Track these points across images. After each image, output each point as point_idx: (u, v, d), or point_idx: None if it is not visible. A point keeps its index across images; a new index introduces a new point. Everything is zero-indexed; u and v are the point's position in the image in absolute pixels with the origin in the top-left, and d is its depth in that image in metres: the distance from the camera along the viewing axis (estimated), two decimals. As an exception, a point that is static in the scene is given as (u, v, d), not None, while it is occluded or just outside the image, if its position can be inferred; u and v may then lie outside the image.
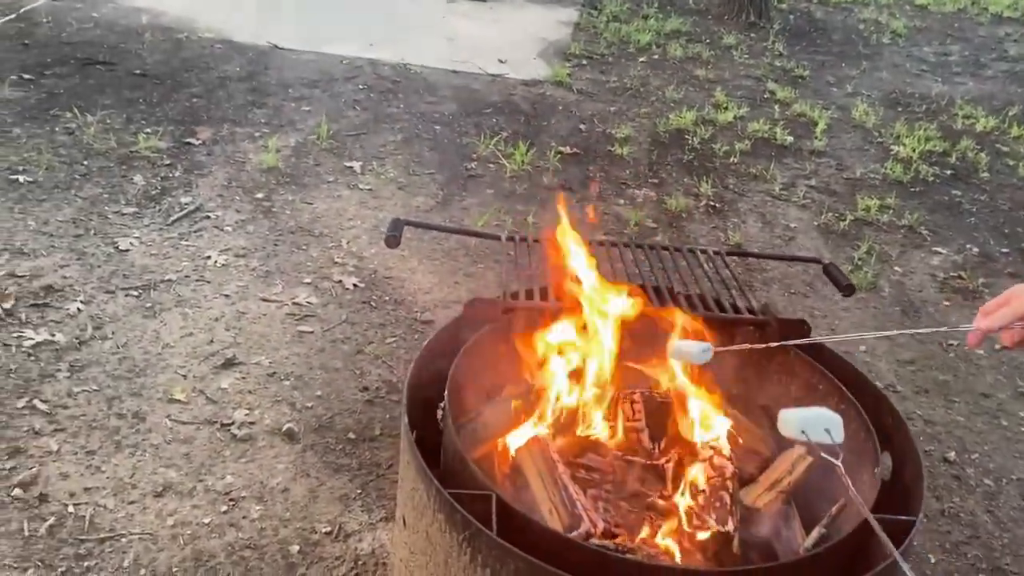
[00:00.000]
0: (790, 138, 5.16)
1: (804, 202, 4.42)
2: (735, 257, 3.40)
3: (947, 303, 3.72)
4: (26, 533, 2.07)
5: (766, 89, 6.05)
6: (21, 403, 2.45)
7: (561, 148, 4.61)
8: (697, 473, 1.91)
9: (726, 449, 2.01)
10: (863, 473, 1.94)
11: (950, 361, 3.32)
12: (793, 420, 1.66)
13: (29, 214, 3.34)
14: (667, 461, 1.95)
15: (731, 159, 4.79)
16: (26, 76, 4.51)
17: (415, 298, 3.22)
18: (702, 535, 1.83)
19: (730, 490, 1.91)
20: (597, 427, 2.03)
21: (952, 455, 2.82)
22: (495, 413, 2.03)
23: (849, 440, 2.02)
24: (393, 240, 2.30)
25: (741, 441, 2.07)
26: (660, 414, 2.02)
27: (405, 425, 1.85)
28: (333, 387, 2.71)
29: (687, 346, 1.94)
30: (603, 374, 2.05)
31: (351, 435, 2.54)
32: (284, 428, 2.51)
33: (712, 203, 4.26)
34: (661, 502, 1.92)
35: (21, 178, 3.55)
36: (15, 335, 2.69)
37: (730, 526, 1.82)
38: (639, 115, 5.29)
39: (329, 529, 2.21)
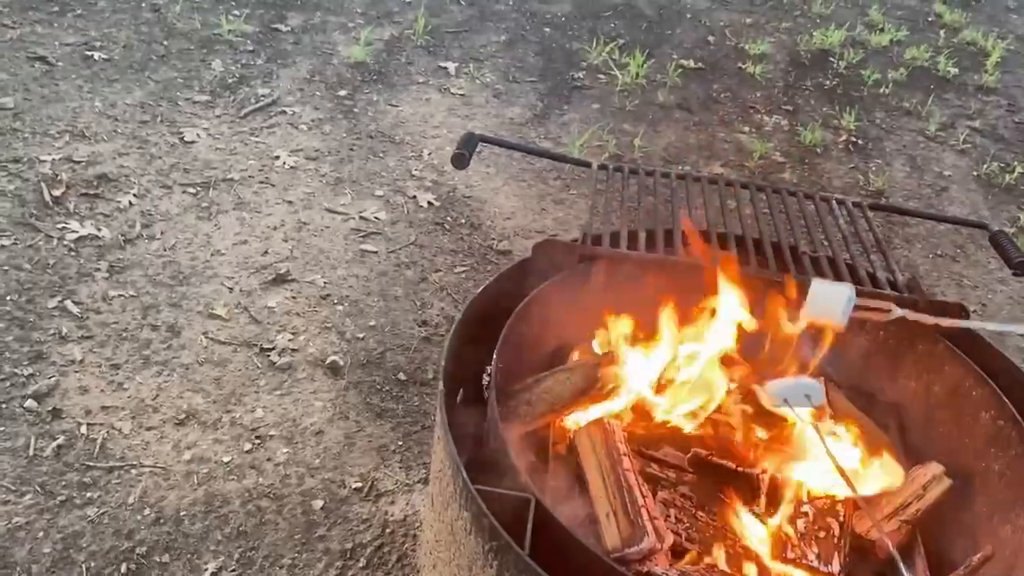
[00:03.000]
0: (954, 70, 4.44)
1: (964, 147, 3.78)
2: (882, 212, 2.89)
3: None
4: (31, 452, 1.88)
5: (931, 11, 5.25)
6: (52, 303, 2.25)
7: (683, 61, 4.08)
8: (800, 490, 1.52)
9: (842, 462, 1.60)
10: (1023, 516, 1.50)
11: None
12: (774, 391, 1.52)
13: (98, 94, 3.12)
14: (763, 471, 1.56)
15: (881, 89, 4.14)
16: (120, -54, 4.28)
17: (494, 223, 2.85)
18: (797, 572, 1.45)
19: (840, 517, 1.51)
20: (680, 414, 1.65)
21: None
22: (556, 383, 1.68)
23: (1008, 472, 1.58)
24: (461, 159, 1.93)
25: (862, 450, 1.66)
26: (762, 411, 1.62)
27: (441, 392, 1.52)
28: (389, 318, 2.41)
29: (828, 290, 1.54)
30: (699, 351, 1.66)
31: (401, 375, 2.24)
32: (328, 360, 2.23)
33: (854, 139, 3.68)
34: (748, 520, 1.54)
35: (96, 55, 3.33)
36: (59, 226, 2.49)
37: (834, 566, 1.43)
38: (778, 30, 4.65)
39: (360, 485, 1.94)
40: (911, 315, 1.59)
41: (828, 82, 4.16)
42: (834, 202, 2.12)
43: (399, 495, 1.92)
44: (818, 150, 3.57)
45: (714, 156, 3.45)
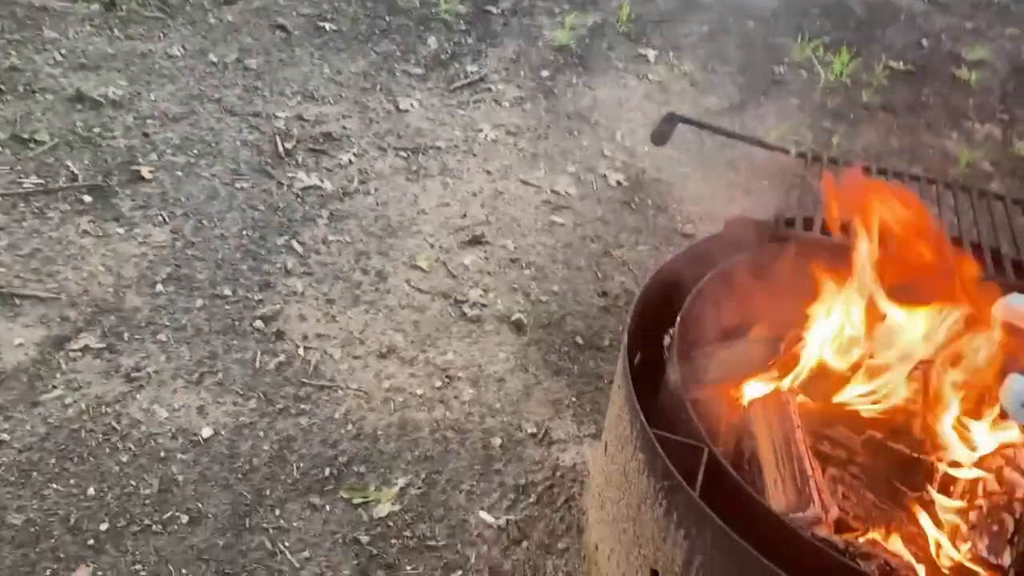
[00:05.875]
0: None
1: None
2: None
3: None
4: (257, 365, 2.16)
5: None
6: (281, 240, 2.54)
7: (892, 63, 3.94)
8: (977, 482, 1.51)
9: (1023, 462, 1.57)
10: None
11: None
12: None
13: (326, 62, 3.45)
14: (940, 458, 1.56)
15: (1115, 104, 3.84)
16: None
17: (680, 207, 2.92)
18: (964, 561, 1.45)
19: (1016, 514, 1.49)
20: (858, 396, 1.67)
21: None
22: (735, 354, 1.75)
23: None
24: (661, 136, 2.04)
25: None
26: (942, 399, 1.62)
27: (624, 343, 1.63)
28: (571, 285, 2.55)
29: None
30: (883, 337, 1.68)
31: (578, 339, 2.37)
32: (514, 317, 2.40)
33: (1074, 154, 3.45)
34: (919, 505, 1.55)
35: (327, 26, 3.67)
36: (289, 175, 2.80)
37: (1005, 559, 1.42)
38: (1001, 36, 4.39)
39: (535, 431, 2.08)
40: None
41: (1053, 93, 3.90)
42: (1044, 209, 2.05)
43: (570, 444, 2.05)
44: (1033, 163, 3.37)
45: (916, 160, 3.34)
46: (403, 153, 3.01)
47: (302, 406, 2.07)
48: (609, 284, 2.58)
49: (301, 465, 1.93)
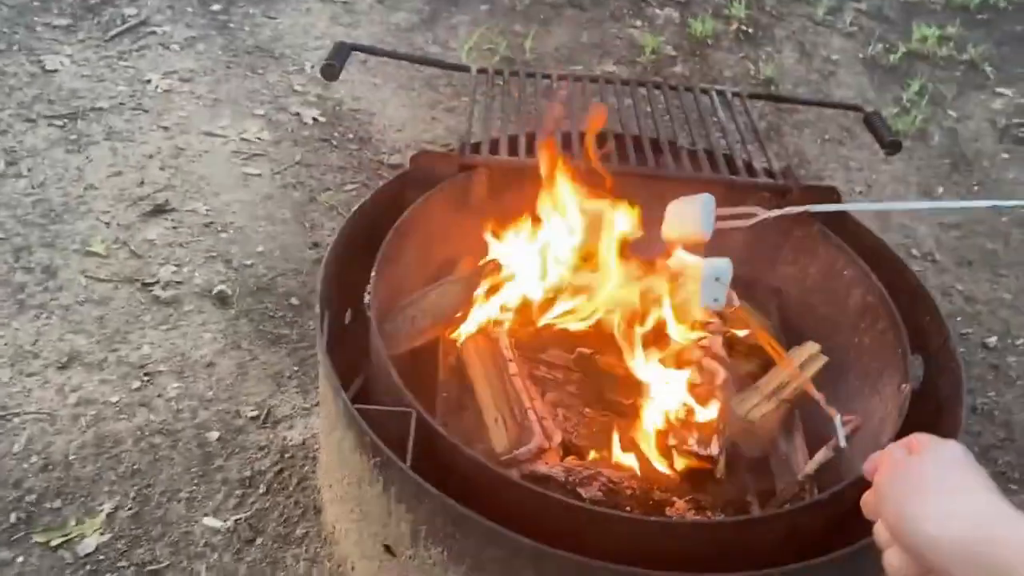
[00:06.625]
0: (843, -49, 4.44)
1: (850, 30, 3.81)
2: (761, 100, 2.92)
3: (1006, 155, 3.21)
4: (-99, 412, 1.80)
5: None
6: (-89, 253, 2.12)
7: (574, -44, 3.96)
8: (680, 379, 1.56)
9: (720, 349, 1.65)
10: (888, 385, 1.58)
11: (1002, 227, 2.87)
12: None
13: (-58, 24, 2.88)
14: (645, 362, 1.60)
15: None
16: None
17: (384, 136, 2.78)
18: (677, 456, 1.50)
19: (720, 402, 1.57)
20: (564, 315, 1.66)
21: (992, 340, 2.44)
22: (442, 296, 1.67)
23: (876, 346, 1.66)
24: (331, 70, 1.87)
25: (740, 335, 1.71)
26: (644, 304, 1.64)
27: (317, 313, 1.50)
28: (278, 242, 2.35)
29: (683, 207, 1.54)
30: (578, 252, 1.67)
31: (293, 300, 2.20)
32: (216, 290, 2.17)
33: (744, 28, 3.67)
34: (632, 411, 1.58)
35: (-65, -20, 3.06)
36: (-89, 171, 2.33)
37: (713, 449, 1.49)
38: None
39: (256, 413, 1.91)
40: (773, 214, 1.62)
41: (719, -30, 4.11)
42: (713, 93, 2.13)
43: (297, 419, 1.91)
44: (709, 41, 3.55)
45: (607, 54, 3.41)
46: (58, 121, 2.60)
47: (-30, 448, 1.76)
48: (319, 233, 2.41)
49: (-22, 519, 1.64)
